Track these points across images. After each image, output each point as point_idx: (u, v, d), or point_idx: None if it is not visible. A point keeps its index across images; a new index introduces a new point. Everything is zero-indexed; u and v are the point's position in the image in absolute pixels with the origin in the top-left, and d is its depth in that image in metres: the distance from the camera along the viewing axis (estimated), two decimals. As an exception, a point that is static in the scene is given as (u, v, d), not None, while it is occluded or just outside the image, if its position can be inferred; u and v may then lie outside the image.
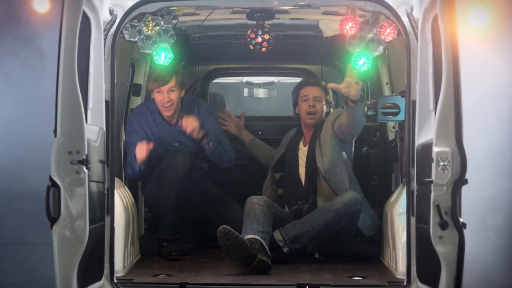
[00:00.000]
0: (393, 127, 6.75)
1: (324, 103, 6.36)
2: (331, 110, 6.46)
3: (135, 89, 6.88)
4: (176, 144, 6.26)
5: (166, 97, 6.21)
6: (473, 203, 10.60)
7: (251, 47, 6.30)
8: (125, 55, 6.26)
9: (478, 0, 9.88)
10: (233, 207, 6.44)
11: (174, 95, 6.22)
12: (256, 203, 5.87)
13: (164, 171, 6.03)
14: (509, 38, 9.50)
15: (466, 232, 11.52)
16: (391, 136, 6.77)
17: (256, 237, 5.58)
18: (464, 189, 10.78)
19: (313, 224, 5.85)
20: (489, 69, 9.43)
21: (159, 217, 6.14)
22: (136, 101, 6.90)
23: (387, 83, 6.70)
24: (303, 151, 6.43)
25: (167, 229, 6.02)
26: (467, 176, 9.86)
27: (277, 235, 5.84)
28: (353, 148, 6.44)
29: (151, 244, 6.26)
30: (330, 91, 6.44)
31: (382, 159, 6.94)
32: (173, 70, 6.26)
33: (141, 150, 5.95)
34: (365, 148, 7.23)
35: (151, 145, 5.97)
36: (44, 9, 9.74)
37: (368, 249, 6.37)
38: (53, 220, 4.28)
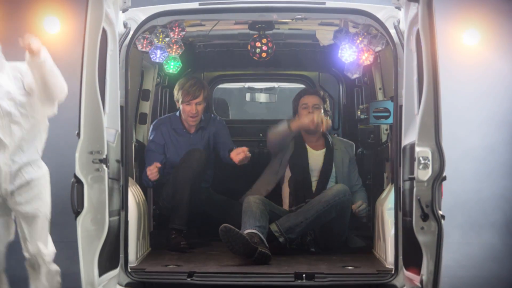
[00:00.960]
0: (386, 130, 7.08)
1: (322, 110, 6.78)
2: (329, 117, 6.85)
3: (144, 95, 7.22)
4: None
5: (194, 108, 6.83)
6: (471, 200, 11.01)
7: (254, 55, 6.62)
8: (136, 64, 6.65)
9: (471, 21, 10.41)
10: (234, 206, 6.85)
11: (200, 107, 6.88)
12: (252, 201, 6.31)
13: (181, 167, 6.53)
14: (498, 55, 9.93)
15: (460, 230, 11.86)
16: (384, 138, 7.12)
17: (254, 231, 6.02)
18: (461, 188, 11.11)
19: (305, 215, 6.30)
20: (483, 81, 9.85)
21: (173, 210, 6.55)
22: (145, 105, 7.25)
23: (380, 88, 7.03)
24: (315, 154, 6.86)
25: (180, 219, 6.48)
26: (466, 175, 10.28)
27: (274, 227, 6.27)
28: None
29: (159, 239, 6.68)
30: (327, 99, 6.87)
31: (376, 159, 7.30)
32: (202, 86, 6.91)
33: (152, 172, 6.52)
34: (360, 149, 7.56)
35: (158, 165, 6.53)
36: (55, 31, 10.22)
37: (362, 246, 6.72)
38: (77, 212, 4.76)
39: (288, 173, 6.82)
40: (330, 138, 6.99)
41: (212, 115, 7.41)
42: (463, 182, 10.65)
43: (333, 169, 6.79)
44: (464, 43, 10.71)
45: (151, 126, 7.04)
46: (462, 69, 10.82)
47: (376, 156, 7.29)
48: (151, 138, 6.92)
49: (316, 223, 6.32)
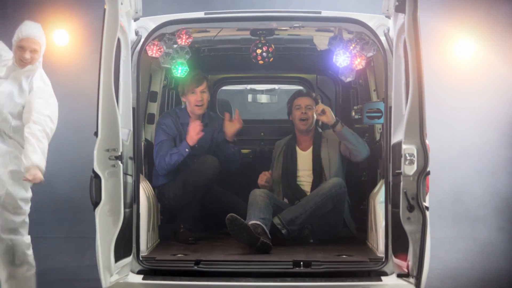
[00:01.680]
0: (380, 129, 7.38)
1: (314, 111, 7.16)
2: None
3: (152, 96, 7.53)
4: (196, 146, 7.01)
5: (199, 96, 7.05)
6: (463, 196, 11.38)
7: (255, 59, 6.94)
8: (145, 68, 7.00)
9: (464, 34, 10.84)
10: (236, 202, 7.22)
11: (205, 96, 7.11)
12: (258, 194, 6.73)
13: (193, 174, 6.82)
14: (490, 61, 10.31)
15: (455, 224, 12.14)
16: (378, 136, 7.45)
17: (258, 222, 6.44)
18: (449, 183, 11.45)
19: (305, 207, 6.75)
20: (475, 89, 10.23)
21: (181, 209, 6.89)
22: (153, 106, 7.54)
23: (374, 90, 7.34)
24: (302, 155, 7.25)
25: (189, 219, 6.84)
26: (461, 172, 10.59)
27: (276, 220, 6.69)
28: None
29: (167, 232, 7.03)
30: (319, 101, 7.25)
31: (370, 157, 7.49)
32: (204, 75, 7.16)
33: (195, 128, 6.84)
34: None
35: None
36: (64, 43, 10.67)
37: (356, 234, 7.15)
38: (95, 204, 5.19)
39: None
40: (321, 135, 7.30)
41: (211, 113, 7.59)
42: (459, 180, 11.10)
43: (327, 156, 7.16)
44: (457, 52, 11.21)
45: (158, 120, 7.26)
46: (457, 75, 11.29)
47: (371, 154, 7.49)
48: (160, 131, 7.08)
49: (315, 214, 6.75)
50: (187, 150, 6.88)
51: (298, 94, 7.39)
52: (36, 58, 5.99)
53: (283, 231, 6.66)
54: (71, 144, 10.88)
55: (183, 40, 6.54)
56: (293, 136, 7.40)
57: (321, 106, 6.92)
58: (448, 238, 11.22)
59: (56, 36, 10.71)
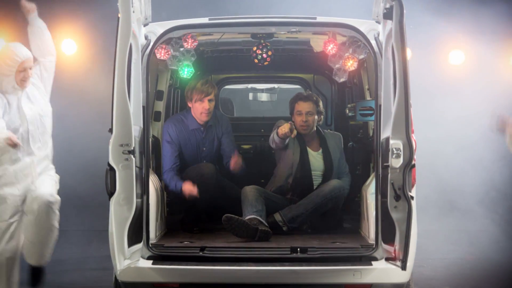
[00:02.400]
0: (373, 126, 7.43)
1: (315, 115, 7.48)
2: (322, 118, 7.56)
3: (158, 95, 7.82)
4: (204, 149, 7.48)
5: (207, 105, 7.40)
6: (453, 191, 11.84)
7: (255, 60, 7.31)
8: (152, 68, 7.19)
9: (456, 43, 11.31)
10: (239, 193, 7.50)
11: (212, 104, 7.46)
12: (248, 191, 7.14)
13: (194, 181, 7.15)
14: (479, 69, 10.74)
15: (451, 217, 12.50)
16: (371, 133, 7.67)
17: (253, 216, 6.86)
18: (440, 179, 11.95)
19: (306, 207, 7.19)
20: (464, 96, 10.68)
21: (184, 212, 7.31)
22: (159, 104, 7.81)
23: (368, 89, 7.63)
24: (313, 155, 7.56)
25: (193, 219, 7.25)
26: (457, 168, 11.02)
27: (278, 217, 7.14)
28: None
29: (173, 223, 7.44)
30: (320, 101, 7.55)
31: (364, 152, 7.90)
32: (212, 84, 7.48)
33: (190, 190, 7.15)
34: (350, 143, 8.23)
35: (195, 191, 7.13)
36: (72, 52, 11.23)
37: (350, 224, 7.56)
38: (110, 194, 5.68)
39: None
40: (325, 136, 7.62)
41: (218, 111, 7.91)
42: (455, 175, 11.56)
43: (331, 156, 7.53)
44: (449, 61, 11.73)
45: (165, 124, 7.63)
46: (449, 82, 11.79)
47: (364, 149, 7.92)
48: (166, 135, 7.46)
49: (314, 214, 7.19)
50: (179, 190, 7.25)
51: (299, 98, 7.56)
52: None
53: (284, 228, 7.10)
54: (79, 142, 11.41)
55: (189, 44, 6.97)
56: (301, 136, 7.58)
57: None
58: (443, 230, 11.66)
59: (64, 46, 11.39)
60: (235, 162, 7.44)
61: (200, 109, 7.47)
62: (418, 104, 12.04)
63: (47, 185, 6.66)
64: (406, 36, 5.68)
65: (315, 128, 7.60)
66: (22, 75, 6.56)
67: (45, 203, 6.57)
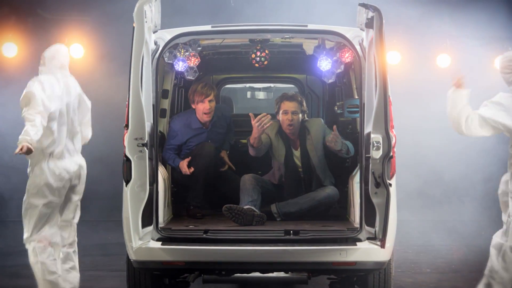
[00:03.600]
0: None
1: (300, 114, 7.97)
2: (306, 116, 8.09)
3: (163, 93, 8.32)
4: (209, 141, 8.16)
5: (208, 105, 8.06)
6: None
7: (254, 62, 7.92)
8: (159, 69, 7.78)
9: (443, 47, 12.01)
10: (238, 181, 8.14)
11: (213, 104, 8.10)
12: (247, 179, 7.80)
13: (196, 157, 7.92)
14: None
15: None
16: (359, 128, 7.96)
17: (249, 206, 7.56)
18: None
19: (301, 207, 7.83)
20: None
21: (189, 189, 7.97)
22: (165, 102, 8.33)
23: (356, 88, 8.17)
24: (295, 154, 8.06)
25: (197, 198, 7.93)
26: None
27: (274, 209, 7.78)
28: None
29: (178, 210, 8.10)
30: (304, 101, 8.03)
31: (353, 146, 8.37)
32: (211, 86, 8.12)
33: (185, 169, 7.91)
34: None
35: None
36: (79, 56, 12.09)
37: (339, 212, 8.16)
38: (127, 181, 6.41)
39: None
40: (305, 128, 8.04)
41: (220, 105, 8.62)
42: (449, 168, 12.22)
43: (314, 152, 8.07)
44: (437, 64, 12.43)
45: (171, 122, 8.20)
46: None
47: (353, 143, 8.30)
48: (169, 136, 8.11)
49: (307, 213, 7.84)
50: (175, 165, 8.04)
51: (285, 98, 8.00)
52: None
53: (278, 219, 7.76)
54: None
55: (192, 62, 7.77)
56: (286, 135, 8.07)
57: (334, 137, 7.62)
58: (429, 220, 12.33)
59: (72, 50, 12.32)
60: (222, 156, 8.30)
61: (201, 109, 8.09)
62: (409, 103, 12.85)
63: None
64: (385, 43, 6.36)
65: (299, 127, 8.11)
66: None
67: None
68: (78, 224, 7.47)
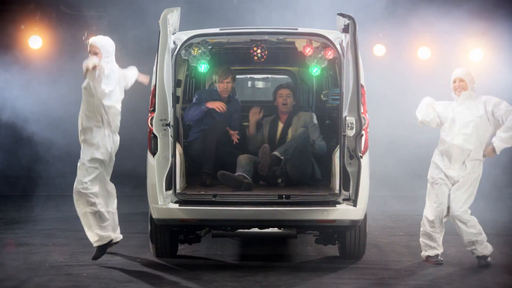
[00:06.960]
0: None
1: (292, 98, 9.76)
2: (296, 101, 9.79)
3: (177, 83, 9.28)
4: (218, 119, 9.67)
5: (225, 85, 9.77)
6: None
7: (254, 57, 9.43)
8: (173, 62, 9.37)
9: (424, 40, 13.36)
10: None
11: (230, 85, 9.80)
12: (242, 157, 9.35)
13: (209, 132, 9.46)
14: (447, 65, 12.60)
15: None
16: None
17: (240, 173, 9.09)
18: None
19: (290, 143, 9.35)
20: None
21: (202, 160, 9.45)
22: (178, 90, 9.41)
23: (340, 80, 9.38)
24: (280, 126, 9.77)
25: (209, 166, 9.42)
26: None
27: (276, 153, 9.18)
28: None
29: (191, 180, 9.52)
30: (295, 89, 9.76)
31: (337, 127, 9.32)
32: (230, 70, 9.73)
33: (217, 104, 9.59)
34: (327, 121, 10.08)
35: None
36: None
37: (324, 183, 9.60)
38: (153, 154, 7.96)
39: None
40: (296, 112, 9.77)
41: (234, 96, 10.10)
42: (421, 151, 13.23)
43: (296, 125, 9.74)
44: (418, 56, 13.74)
45: (198, 92, 9.92)
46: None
47: (337, 125, 9.49)
48: (194, 99, 9.68)
49: (298, 148, 9.31)
50: (203, 108, 9.60)
51: (280, 86, 9.85)
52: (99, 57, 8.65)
53: (282, 158, 9.19)
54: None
55: (205, 47, 9.37)
56: (277, 116, 9.90)
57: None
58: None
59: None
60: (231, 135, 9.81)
61: (221, 88, 9.81)
62: (391, 92, 14.25)
63: None
64: (358, 45, 7.87)
65: (291, 108, 9.80)
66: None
67: None
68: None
